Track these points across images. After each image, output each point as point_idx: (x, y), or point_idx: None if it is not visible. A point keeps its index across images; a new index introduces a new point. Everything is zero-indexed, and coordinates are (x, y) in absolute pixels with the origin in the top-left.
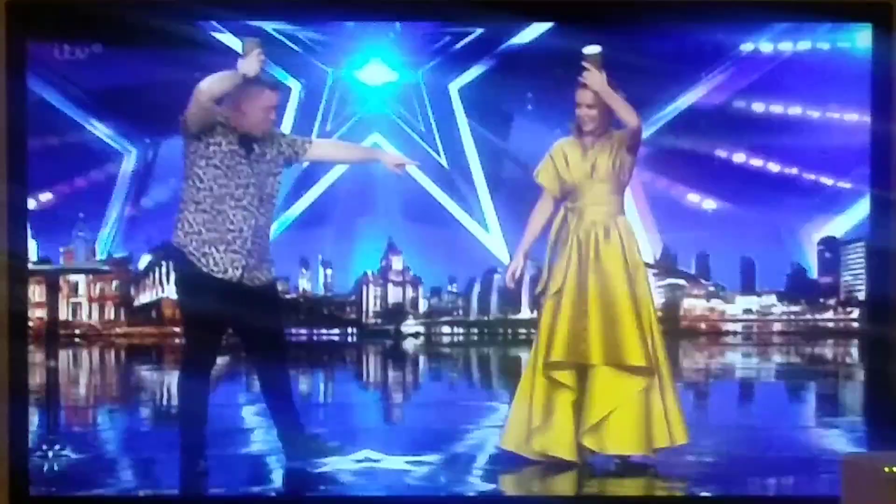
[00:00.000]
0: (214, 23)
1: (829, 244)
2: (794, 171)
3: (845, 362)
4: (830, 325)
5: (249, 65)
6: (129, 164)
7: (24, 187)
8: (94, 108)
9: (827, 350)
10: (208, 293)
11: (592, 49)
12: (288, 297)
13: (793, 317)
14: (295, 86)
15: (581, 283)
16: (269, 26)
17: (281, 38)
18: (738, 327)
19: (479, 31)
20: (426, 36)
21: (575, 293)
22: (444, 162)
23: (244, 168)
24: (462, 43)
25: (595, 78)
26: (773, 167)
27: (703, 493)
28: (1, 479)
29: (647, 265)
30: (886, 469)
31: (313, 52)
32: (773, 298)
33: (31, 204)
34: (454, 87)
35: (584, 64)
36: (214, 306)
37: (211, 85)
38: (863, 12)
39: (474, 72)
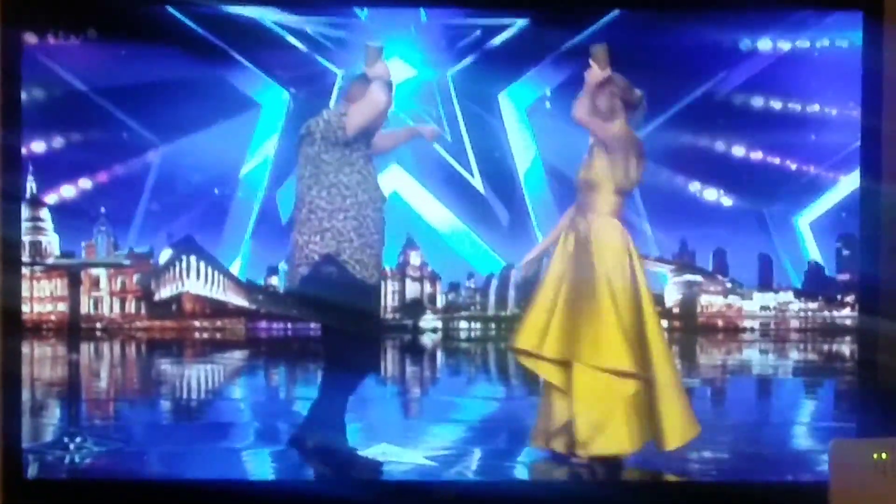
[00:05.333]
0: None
1: (847, 241)
2: (812, 168)
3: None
4: (848, 322)
5: (381, 69)
6: (151, 159)
7: (20, 176)
8: (117, 101)
9: (844, 347)
10: (361, 298)
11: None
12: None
13: (810, 314)
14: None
15: (572, 281)
16: (268, 17)
17: (281, 31)
18: (755, 324)
19: (523, 22)
20: (456, 29)
21: (568, 291)
22: (476, 174)
23: (373, 170)
24: (504, 37)
25: (591, 74)
26: (791, 164)
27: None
28: None
29: (648, 259)
30: (875, 455)
31: (321, 49)
32: (790, 295)
33: (53, 198)
34: (504, 96)
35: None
36: (366, 311)
37: (388, 91)
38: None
39: (525, 74)
